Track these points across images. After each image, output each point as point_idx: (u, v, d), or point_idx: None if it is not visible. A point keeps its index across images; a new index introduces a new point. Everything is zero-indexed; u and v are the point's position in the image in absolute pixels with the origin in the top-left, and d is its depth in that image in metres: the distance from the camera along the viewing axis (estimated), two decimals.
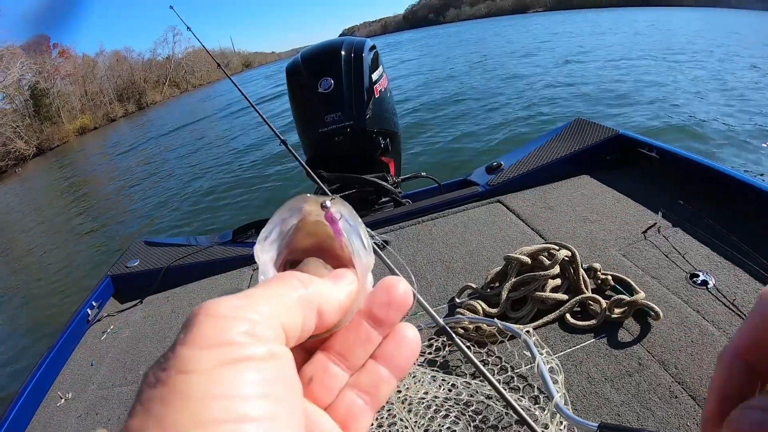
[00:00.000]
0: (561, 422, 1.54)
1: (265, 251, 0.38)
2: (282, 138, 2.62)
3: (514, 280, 2.11)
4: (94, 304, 3.01)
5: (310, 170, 2.47)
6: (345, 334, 0.37)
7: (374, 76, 3.42)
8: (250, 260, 3.16)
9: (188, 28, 3.10)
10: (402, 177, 3.67)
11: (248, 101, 2.71)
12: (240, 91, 2.71)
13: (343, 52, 3.34)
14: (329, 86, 3.27)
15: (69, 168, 24.67)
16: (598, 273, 2.12)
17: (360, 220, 0.40)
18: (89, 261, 9.29)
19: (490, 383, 1.29)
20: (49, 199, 19.09)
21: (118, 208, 13.14)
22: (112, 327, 2.85)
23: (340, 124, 3.25)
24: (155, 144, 22.11)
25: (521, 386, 1.75)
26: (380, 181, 3.32)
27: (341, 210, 0.39)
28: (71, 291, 7.99)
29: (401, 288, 0.37)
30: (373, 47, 3.56)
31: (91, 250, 10.19)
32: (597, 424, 1.44)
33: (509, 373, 1.82)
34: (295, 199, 0.38)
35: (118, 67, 52.53)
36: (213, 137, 18.74)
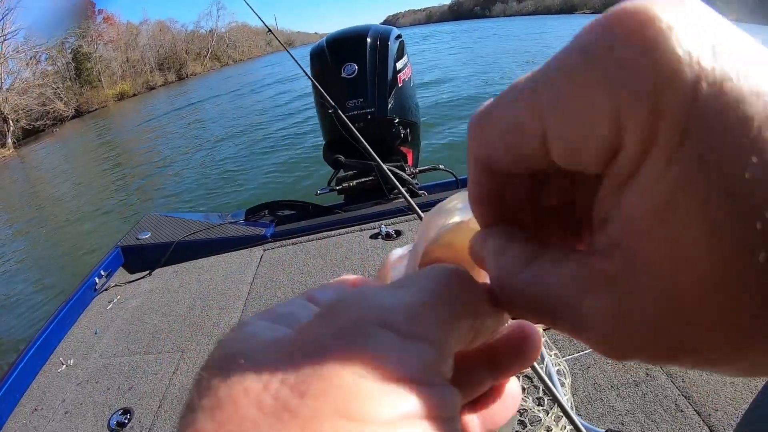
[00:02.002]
0: (565, 426, 1.52)
1: (431, 230, 0.30)
2: (337, 110, 2.57)
3: None
4: (102, 273, 3.03)
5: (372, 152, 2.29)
6: (462, 369, 0.25)
7: (399, 65, 3.36)
8: (260, 240, 3.17)
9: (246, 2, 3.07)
10: (420, 168, 3.63)
11: (311, 79, 2.69)
12: (304, 71, 2.64)
13: (368, 39, 3.29)
14: (353, 72, 3.23)
15: (105, 131, 25.02)
16: None
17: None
18: (112, 219, 9.53)
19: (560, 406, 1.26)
20: (82, 159, 19.45)
21: (147, 173, 13.32)
22: (118, 297, 2.87)
23: (361, 111, 3.21)
24: (191, 115, 22.30)
25: (526, 386, 1.73)
26: (398, 171, 3.28)
27: None
28: (90, 245, 8.26)
29: (537, 339, 0.29)
30: (399, 36, 3.50)
31: (115, 209, 10.42)
32: (604, 431, 1.44)
33: None
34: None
35: (161, 36, 52.94)
36: (248, 112, 18.85)
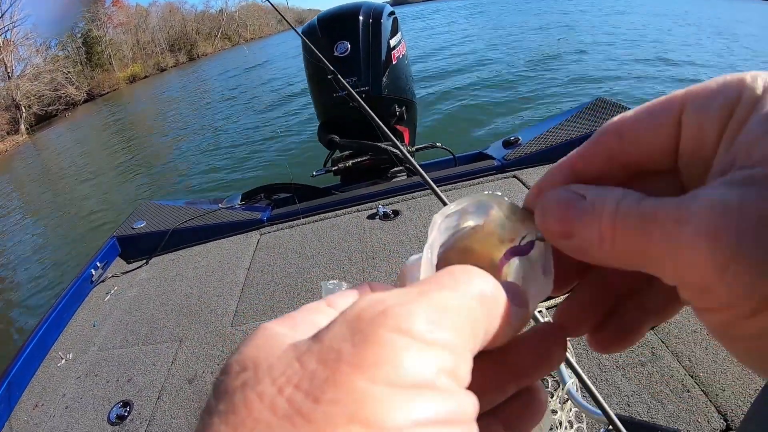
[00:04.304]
0: (570, 409, 1.51)
1: (441, 231, 0.29)
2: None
3: None
4: (98, 264, 3.00)
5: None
6: (480, 373, 0.24)
7: (392, 42, 3.28)
8: (257, 224, 3.14)
9: None
10: (417, 146, 3.58)
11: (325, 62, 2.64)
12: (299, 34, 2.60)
13: (361, 17, 3.21)
14: (345, 50, 3.16)
15: (117, 114, 25.05)
16: None
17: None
18: (123, 200, 9.62)
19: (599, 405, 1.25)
20: (94, 142, 19.52)
21: (159, 156, 13.41)
22: (115, 288, 2.85)
23: (355, 90, 3.12)
24: (203, 96, 22.29)
25: None
26: (394, 149, 3.24)
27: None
28: (102, 224, 8.50)
29: (564, 341, 0.29)
30: (392, 13, 3.42)
31: (127, 190, 10.56)
32: None
33: None
34: (492, 196, 0.30)
35: (171, 18, 52.56)
36: (255, 93, 18.80)
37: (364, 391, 0.17)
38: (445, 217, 0.29)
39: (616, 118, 0.27)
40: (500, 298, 0.24)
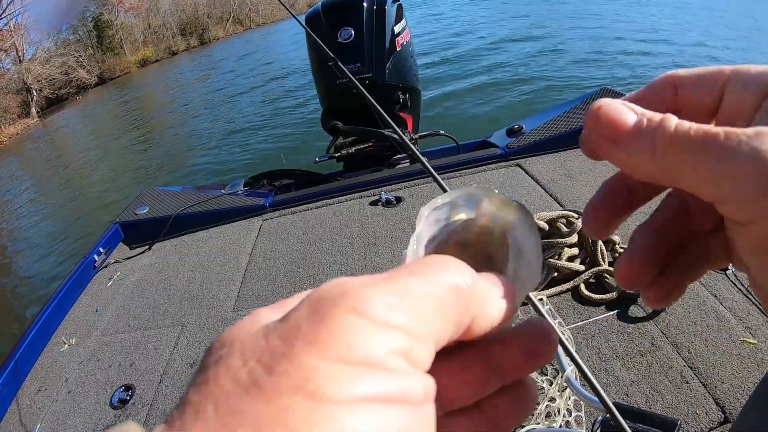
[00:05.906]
0: (569, 397, 1.51)
1: (429, 223, 0.29)
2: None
3: None
4: (101, 250, 3.02)
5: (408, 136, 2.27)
6: (461, 365, 0.26)
7: (397, 29, 3.25)
8: (259, 210, 3.14)
9: None
10: (420, 134, 3.55)
11: (305, 28, 2.60)
12: (297, 19, 2.54)
13: (365, 3, 3.17)
14: (349, 36, 3.14)
15: (128, 98, 25.04)
16: (617, 246, 2.05)
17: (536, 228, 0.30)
18: (131, 183, 9.70)
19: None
20: (105, 125, 19.57)
21: (167, 139, 13.47)
22: (118, 273, 2.86)
23: (358, 76, 3.09)
24: (212, 81, 22.24)
25: None
26: (396, 136, 3.20)
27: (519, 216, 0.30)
28: (110, 206, 8.55)
29: (553, 340, 0.27)
30: None
31: (134, 173, 10.67)
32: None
33: None
34: (482, 188, 0.30)
35: (182, 2, 52.40)
36: (261, 79, 18.75)
37: (313, 365, 0.18)
38: (433, 210, 0.30)
39: (669, 73, 0.31)
40: (477, 290, 0.25)
